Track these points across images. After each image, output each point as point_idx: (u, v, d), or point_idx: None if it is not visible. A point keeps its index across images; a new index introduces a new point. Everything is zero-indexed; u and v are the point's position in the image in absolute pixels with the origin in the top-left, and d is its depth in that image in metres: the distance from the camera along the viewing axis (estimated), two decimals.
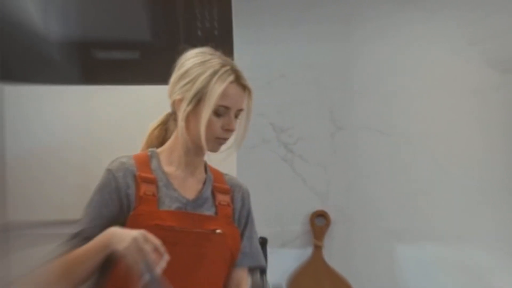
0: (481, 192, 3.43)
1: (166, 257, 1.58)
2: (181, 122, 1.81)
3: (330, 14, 3.49)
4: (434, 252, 3.46)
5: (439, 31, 3.49)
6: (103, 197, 1.80)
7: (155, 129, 1.99)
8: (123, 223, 1.75)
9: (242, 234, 1.94)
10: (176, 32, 2.89)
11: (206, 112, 1.77)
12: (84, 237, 1.76)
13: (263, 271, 2.00)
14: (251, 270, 1.97)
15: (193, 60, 1.84)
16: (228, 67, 1.81)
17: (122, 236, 1.61)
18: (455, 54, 3.47)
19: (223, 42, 2.82)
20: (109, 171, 1.82)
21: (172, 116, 1.93)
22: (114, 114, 2.76)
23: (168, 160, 1.89)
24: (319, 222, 3.40)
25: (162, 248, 1.58)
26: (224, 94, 1.78)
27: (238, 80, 1.82)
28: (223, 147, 1.88)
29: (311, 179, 3.45)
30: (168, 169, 1.87)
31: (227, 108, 1.80)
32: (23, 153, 2.74)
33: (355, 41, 3.51)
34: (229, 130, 1.82)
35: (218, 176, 1.97)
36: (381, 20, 3.51)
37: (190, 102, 1.79)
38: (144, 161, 1.87)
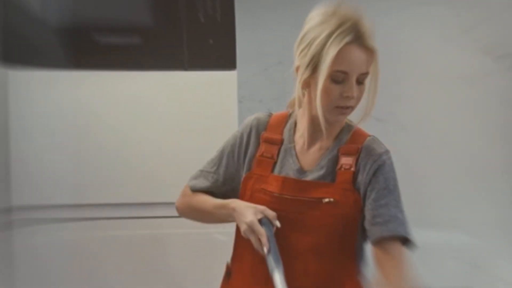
0: (475, 179, 3.46)
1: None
2: (299, 91, 1.71)
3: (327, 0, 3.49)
4: (427, 239, 3.42)
5: (433, 17, 3.51)
6: (226, 149, 1.86)
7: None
8: (235, 178, 1.84)
9: (371, 204, 1.72)
10: (178, 17, 2.88)
11: (321, 80, 1.63)
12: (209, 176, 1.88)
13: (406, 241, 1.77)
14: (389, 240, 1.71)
15: (312, 21, 1.70)
16: (347, 25, 1.64)
17: (240, 218, 1.70)
18: (448, 40, 3.49)
19: (225, 27, 2.83)
20: (243, 125, 1.86)
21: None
22: (115, 99, 2.77)
23: (301, 125, 1.80)
24: None
25: (264, 239, 1.64)
26: (339, 58, 1.62)
27: (359, 40, 1.65)
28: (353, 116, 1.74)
29: None
30: (297, 134, 1.81)
31: (345, 73, 1.64)
32: (27, 138, 2.75)
33: None
34: (349, 97, 1.66)
35: (357, 138, 1.78)
36: (374, 5, 3.49)
37: (306, 69, 1.67)
38: (280, 121, 1.83)
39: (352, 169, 1.74)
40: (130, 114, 2.72)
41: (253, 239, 1.66)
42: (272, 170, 1.78)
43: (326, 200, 1.71)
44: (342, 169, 1.74)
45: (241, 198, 1.79)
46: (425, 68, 3.51)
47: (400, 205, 1.75)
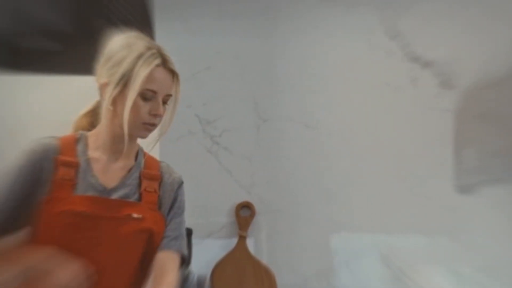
0: (403, 184, 3.49)
1: None
2: (107, 107, 1.79)
3: (254, 8, 3.52)
4: (357, 243, 3.49)
5: (360, 25, 3.55)
6: (18, 177, 1.75)
7: (84, 115, 1.97)
8: (30, 204, 1.73)
9: (168, 220, 1.93)
10: (98, 23, 2.87)
11: (131, 96, 1.75)
12: None
13: (184, 261, 1.99)
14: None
15: (119, 43, 1.82)
16: (154, 50, 1.79)
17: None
18: (375, 48, 3.53)
19: (143, 33, 2.82)
20: (28, 151, 1.78)
21: (100, 102, 1.88)
22: (34, 104, 2.74)
23: (95, 144, 1.87)
24: (244, 213, 3.42)
25: None
26: (150, 78, 1.76)
27: (165, 64, 1.80)
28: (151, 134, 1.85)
29: (236, 170, 3.47)
30: (93, 154, 1.85)
31: (154, 92, 1.78)
32: None
33: (280, 34, 3.55)
34: (156, 115, 1.80)
35: (152, 163, 1.96)
36: (304, 14, 3.54)
37: (116, 85, 1.77)
38: (70, 144, 1.84)
39: (156, 192, 1.92)
40: (49, 119, 2.69)
41: None
42: (74, 192, 1.78)
43: (135, 216, 1.83)
44: (147, 191, 1.89)
45: (35, 223, 1.73)
46: (353, 75, 3.54)
47: (184, 227, 2.00)
